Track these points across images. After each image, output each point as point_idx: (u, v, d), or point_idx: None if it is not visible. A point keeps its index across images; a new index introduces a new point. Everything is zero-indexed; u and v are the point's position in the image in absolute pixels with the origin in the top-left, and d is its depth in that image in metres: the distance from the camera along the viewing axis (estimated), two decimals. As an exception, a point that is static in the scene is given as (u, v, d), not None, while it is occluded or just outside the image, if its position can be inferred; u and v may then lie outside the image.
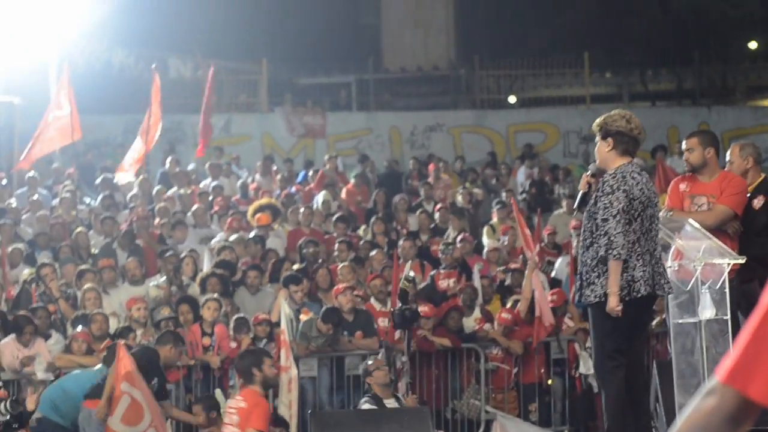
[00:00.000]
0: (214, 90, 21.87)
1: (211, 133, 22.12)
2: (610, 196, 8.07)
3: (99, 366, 12.04)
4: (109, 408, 11.11)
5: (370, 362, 12.03)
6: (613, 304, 7.98)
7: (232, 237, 17.36)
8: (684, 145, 9.72)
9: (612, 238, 7.97)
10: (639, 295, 8.01)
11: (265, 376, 10.96)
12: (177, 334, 12.92)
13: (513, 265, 16.34)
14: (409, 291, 9.63)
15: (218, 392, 12.81)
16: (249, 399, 10.81)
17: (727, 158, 9.99)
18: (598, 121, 8.38)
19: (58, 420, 11.65)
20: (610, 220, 8.02)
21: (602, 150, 8.31)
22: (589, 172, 8.55)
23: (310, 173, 23.69)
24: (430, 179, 23.00)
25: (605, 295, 8.04)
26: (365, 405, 11.66)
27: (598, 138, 8.37)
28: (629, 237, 8.01)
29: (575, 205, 9.06)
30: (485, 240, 18.88)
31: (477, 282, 15.50)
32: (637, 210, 8.08)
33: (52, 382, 12.29)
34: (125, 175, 20.02)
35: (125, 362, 11.17)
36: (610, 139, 8.24)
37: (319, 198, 21.04)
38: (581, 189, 8.51)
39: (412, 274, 10.05)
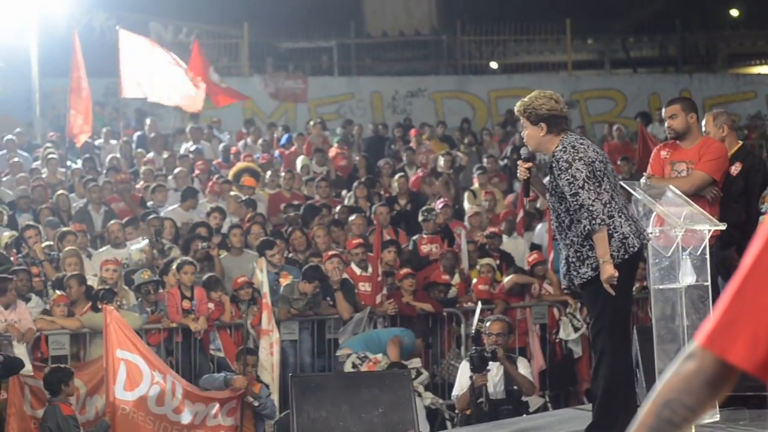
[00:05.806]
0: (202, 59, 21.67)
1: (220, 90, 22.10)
2: (569, 170, 7.85)
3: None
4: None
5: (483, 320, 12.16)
6: (610, 271, 7.75)
7: (219, 201, 17.32)
8: (665, 112, 9.67)
9: (590, 209, 7.77)
10: (635, 250, 7.85)
11: None
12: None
13: (491, 229, 16.54)
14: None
15: None
16: None
17: (703, 129, 10.03)
18: (519, 106, 8.08)
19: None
20: (581, 193, 7.81)
21: (536, 135, 8.04)
22: (523, 157, 8.32)
23: (294, 135, 23.59)
24: (413, 144, 22.99)
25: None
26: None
27: (525, 123, 8.07)
28: (603, 198, 7.84)
29: (522, 195, 8.98)
30: (466, 205, 18.89)
31: (464, 246, 15.53)
32: (601, 170, 7.88)
33: None
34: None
35: (115, 327, 11.19)
36: (542, 124, 7.97)
37: (299, 162, 20.98)
38: (521, 177, 8.26)
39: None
